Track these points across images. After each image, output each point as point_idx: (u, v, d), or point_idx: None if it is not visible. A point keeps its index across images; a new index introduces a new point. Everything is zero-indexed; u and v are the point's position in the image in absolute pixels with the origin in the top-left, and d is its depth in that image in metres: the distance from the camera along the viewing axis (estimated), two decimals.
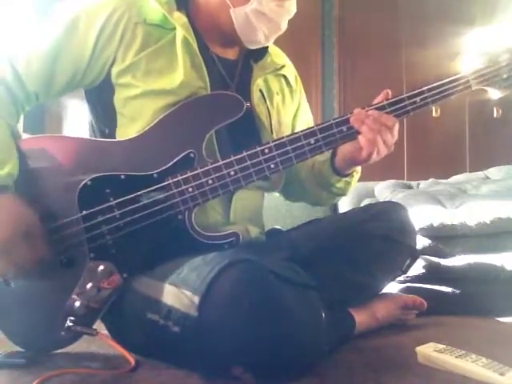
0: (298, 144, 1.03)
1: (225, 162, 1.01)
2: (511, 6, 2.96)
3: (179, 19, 1.06)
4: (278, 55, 1.25)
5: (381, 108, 1.05)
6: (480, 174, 2.44)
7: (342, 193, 1.22)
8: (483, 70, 1.10)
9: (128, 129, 1.05)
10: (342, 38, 3.35)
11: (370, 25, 3.30)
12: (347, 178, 1.18)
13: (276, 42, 1.27)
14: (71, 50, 1.04)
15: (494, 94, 1.13)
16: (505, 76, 1.10)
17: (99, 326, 0.98)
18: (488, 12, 3.07)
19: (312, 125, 1.08)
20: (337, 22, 3.35)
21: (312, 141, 1.03)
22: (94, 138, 1.11)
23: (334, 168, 1.15)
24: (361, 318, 1.17)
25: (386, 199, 2.13)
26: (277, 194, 1.30)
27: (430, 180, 2.40)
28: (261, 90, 1.17)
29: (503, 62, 1.10)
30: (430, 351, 0.95)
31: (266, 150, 1.02)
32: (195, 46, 1.07)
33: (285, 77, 1.25)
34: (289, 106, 1.26)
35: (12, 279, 0.98)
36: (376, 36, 3.30)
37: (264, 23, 1.09)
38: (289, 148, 1.02)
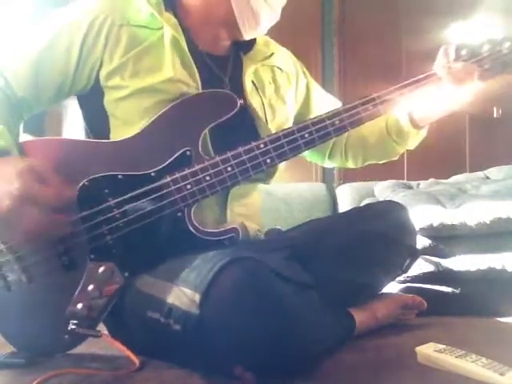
0: (292, 137, 1.06)
1: (221, 158, 1.02)
2: None
3: (169, 20, 1.08)
4: (266, 43, 1.25)
5: None
6: (480, 174, 2.44)
7: (411, 145, 1.35)
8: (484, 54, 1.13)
9: (122, 130, 1.05)
10: (341, 38, 3.34)
11: (370, 25, 3.30)
12: (421, 131, 1.30)
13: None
14: (56, 61, 1.05)
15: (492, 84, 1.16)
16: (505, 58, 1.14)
17: (99, 325, 0.98)
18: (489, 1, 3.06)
19: (339, 104, 1.18)
20: (337, 22, 3.35)
21: (306, 134, 1.07)
22: (90, 140, 1.12)
23: (412, 121, 1.27)
24: (361, 317, 1.17)
25: (386, 199, 2.13)
26: (277, 195, 1.30)
27: (430, 180, 2.40)
28: (253, 81, 1.18)
29: (504, 49, 1.13)
30: (430, 351, 0.94)
31: (262, 145, 1.04)
32: (184, 44, 1.08)
33: (278, 66, 1.25)
34: (285, 95, 1.26)
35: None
36: (376, 36, 3.29)
37: (265, 10, 1.12)
38: (283, 141, 1.05)
